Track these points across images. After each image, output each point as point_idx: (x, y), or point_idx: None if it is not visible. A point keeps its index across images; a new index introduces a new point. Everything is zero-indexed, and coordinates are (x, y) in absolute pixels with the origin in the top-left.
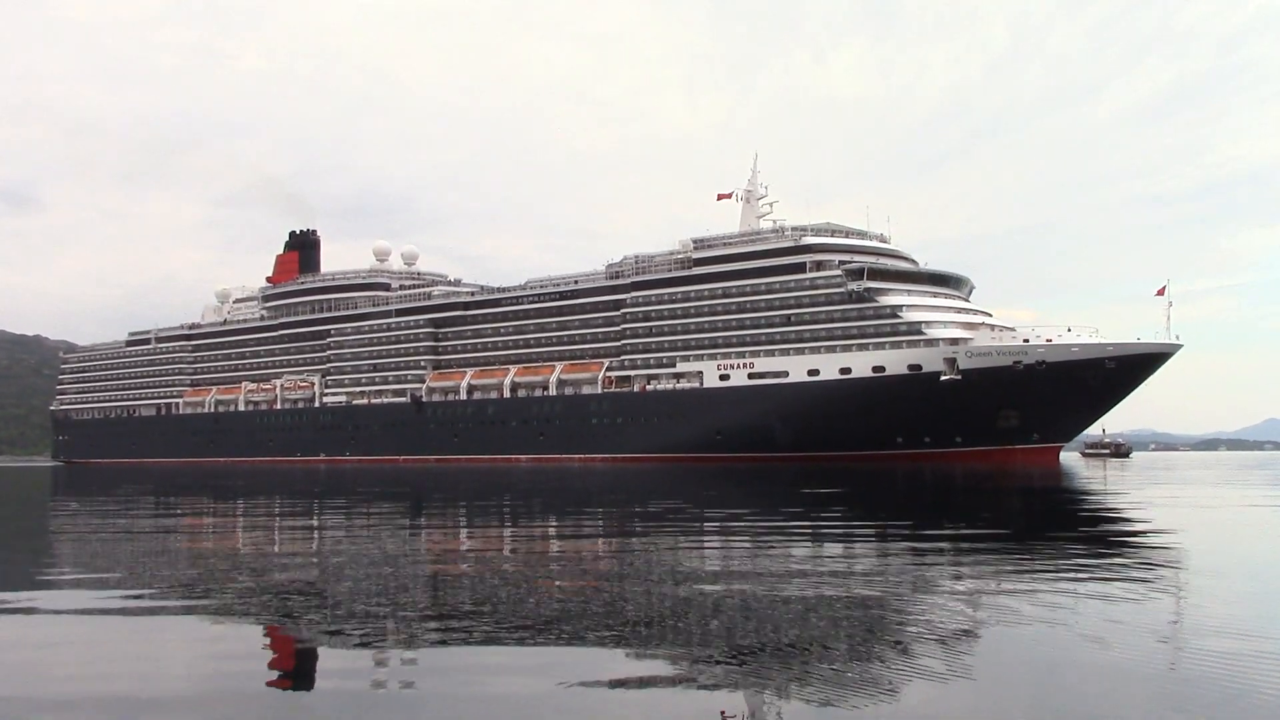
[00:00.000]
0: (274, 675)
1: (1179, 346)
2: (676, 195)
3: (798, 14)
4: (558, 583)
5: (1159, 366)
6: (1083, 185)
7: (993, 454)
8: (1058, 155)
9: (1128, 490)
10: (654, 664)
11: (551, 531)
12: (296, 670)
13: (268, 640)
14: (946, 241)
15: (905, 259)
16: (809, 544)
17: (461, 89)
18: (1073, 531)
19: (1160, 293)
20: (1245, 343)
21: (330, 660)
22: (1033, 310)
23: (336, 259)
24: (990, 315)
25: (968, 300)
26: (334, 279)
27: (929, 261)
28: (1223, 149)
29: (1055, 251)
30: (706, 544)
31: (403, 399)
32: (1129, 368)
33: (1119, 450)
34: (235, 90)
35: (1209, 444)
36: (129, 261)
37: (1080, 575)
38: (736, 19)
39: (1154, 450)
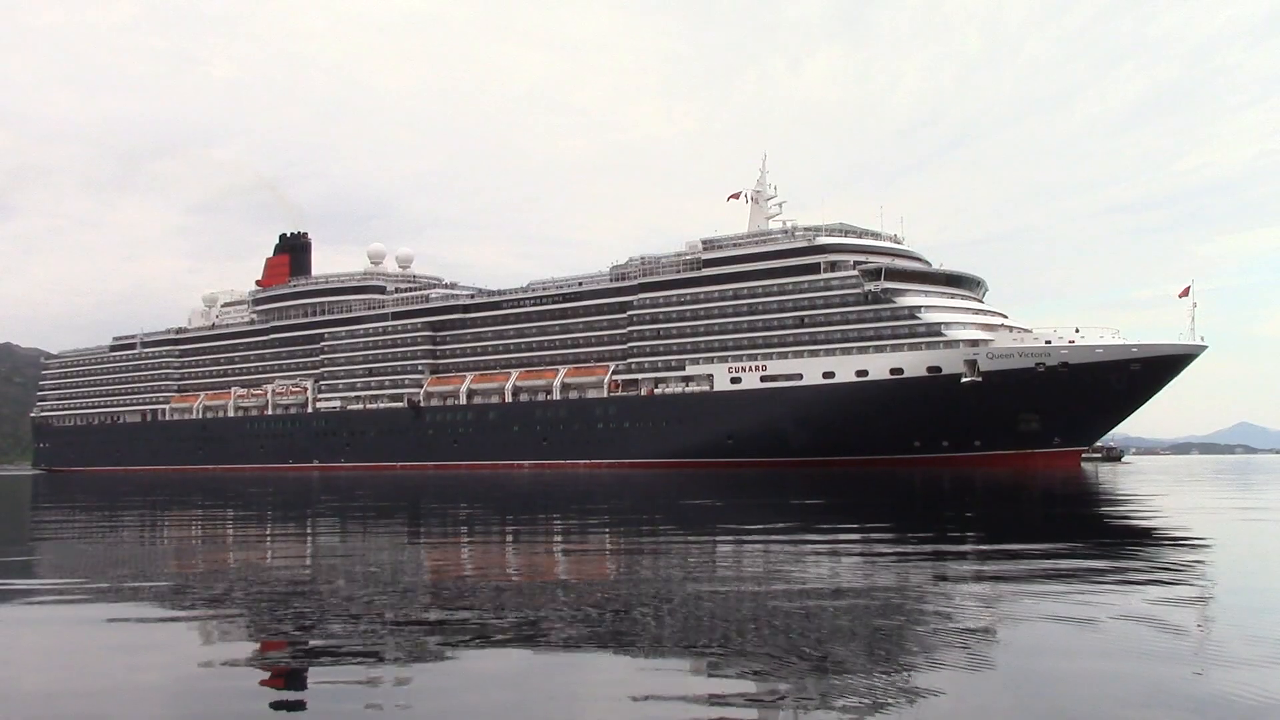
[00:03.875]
0: (263, 688)
1: (1204, 348)
2: (653, 202)
3: (772, 22)
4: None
5: (1184, 368)
6: (1055, 192)
7: (1012, 458)
8: (1031, 163)
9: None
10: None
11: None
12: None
13: (254, 653)
14: (922, 249)
15: (919, 260)
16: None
17: (436, 96)
18: None
19: (1184, 293)
20: (1216, 348)
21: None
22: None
23: (317, 264)
24: (1006, 317)
25: (982, 301)
26: (327, 281)
27: (943, 263)
28: (1195, 156)
29: (1028, 258)
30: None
31: (399, 404)
32: (1154, 370)
33: (1110, 454)
34: (208, 97)
35: (1181, 448)
36: (100, 268)
37: None
38: (712, 27)
39: (1135, 454)
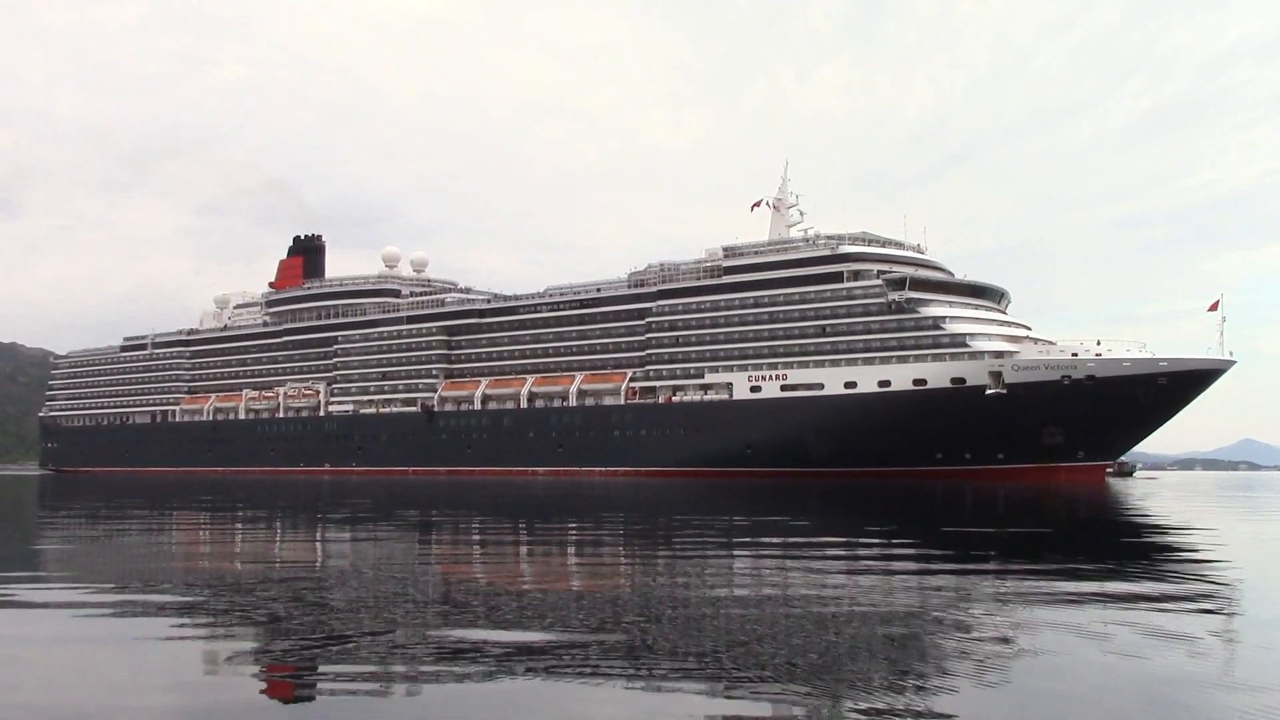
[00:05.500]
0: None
1: (1233, 363)
2: (661, 209)
3: (781, 31)
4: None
5: (1211, 383)
6: (1063, 206)
7: (1036, 472)
8: (1038, 175)
9: None
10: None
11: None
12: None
13: (256, 661)
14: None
15: (943, 270)
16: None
17: (444, 100)
18: None
19: (1213, 308)
20: None
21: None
22: None
23: (327, 268)
24: (1030, 329)
25: (1005, 313)
26: (342, 284)
27: (966, 274)
28: (1202, 173)
29: (1035, 271)
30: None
31: (413, 409)
32: (1181, 384)
33: (1122, 469)
34: (217, 98)
35: (1185, 464)
36: (106, 268)
37: None
38: (720, 35)
39: (1142, 469)
